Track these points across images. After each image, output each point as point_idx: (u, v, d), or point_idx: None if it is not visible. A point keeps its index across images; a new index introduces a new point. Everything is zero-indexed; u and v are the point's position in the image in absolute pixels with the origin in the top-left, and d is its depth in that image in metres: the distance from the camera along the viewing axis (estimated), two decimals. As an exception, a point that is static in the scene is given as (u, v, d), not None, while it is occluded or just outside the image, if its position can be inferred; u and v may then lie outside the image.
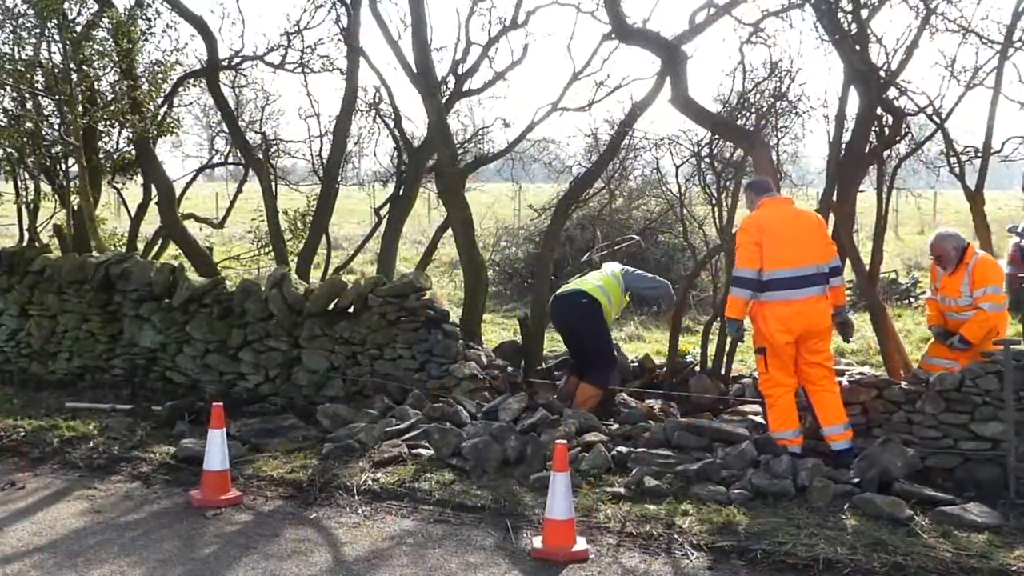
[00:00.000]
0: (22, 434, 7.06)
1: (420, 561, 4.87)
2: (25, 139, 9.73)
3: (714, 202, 8.14)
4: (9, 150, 10.07)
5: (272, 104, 12.36)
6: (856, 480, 5.67)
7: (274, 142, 11.86)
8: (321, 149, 10.94)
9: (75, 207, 10.25)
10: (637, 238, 11.70)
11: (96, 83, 10.03)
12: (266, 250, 12.37)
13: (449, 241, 11.23)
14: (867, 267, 7.52)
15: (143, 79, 10.19)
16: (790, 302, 6.15)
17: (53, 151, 10.19)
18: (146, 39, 10.24)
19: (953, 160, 7.56)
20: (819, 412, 6.24)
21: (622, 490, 5.65)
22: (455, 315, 8.83)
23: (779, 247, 6.17)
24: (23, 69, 9.38)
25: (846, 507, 5.39)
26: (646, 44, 8.03)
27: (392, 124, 10.45)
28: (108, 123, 10.34)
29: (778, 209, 6.37)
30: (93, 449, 6.69)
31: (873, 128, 7.40)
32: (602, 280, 7.75)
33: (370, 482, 5.90)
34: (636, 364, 8.39)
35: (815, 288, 6.21)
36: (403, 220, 10.27)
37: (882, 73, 7.33)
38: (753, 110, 8.06)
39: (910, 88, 7.55)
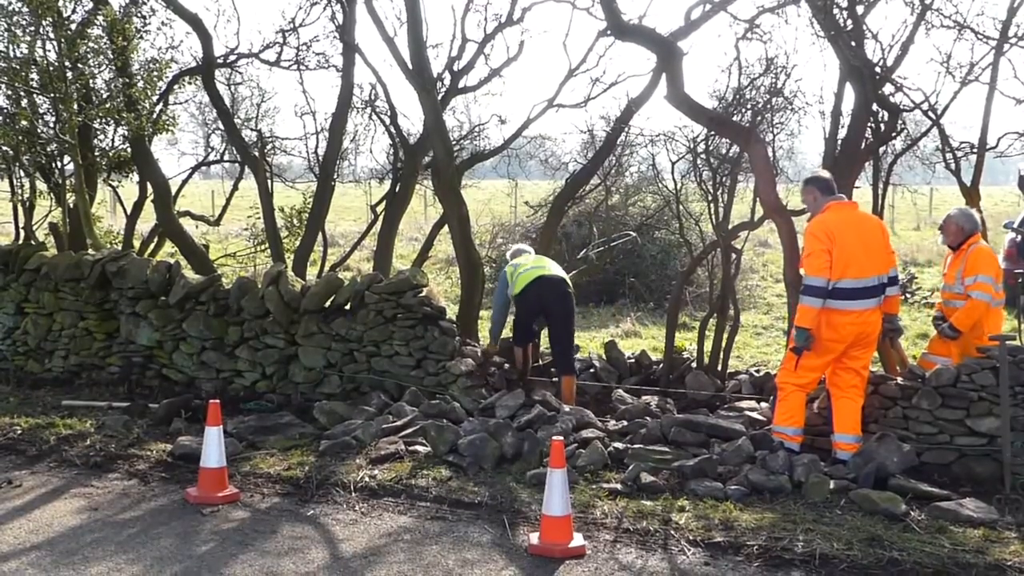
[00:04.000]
0: (19, 432, 7.05)
1: (417, 558, 4.87)
2: (20, 137, 9.71)
3: (710, 198, 8.15)
4: (4, 148, 10.05)
5: (268, 101, 12.49)
6: (852, 476, 5.69)
7: (270, 139, 11.87)
8: (317, 146, 10.96)
9: (71, 205, 10.23)
10: (633, 234, 11.72)
11: (91, 81, 10.02)
12: (262, 247, 12.38)
13: (445, 238, 11.25)
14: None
15: (138, 77, 10.17)
16: (848, 312, 6.03)
17: (49, 149, 10.17)
18: (141, 37, 10.24)
19: (949, 156, 7.57)
20: (836, 417, 6.17)
21: (619, 486, 5.66)
22: (452, 312, 8.83)
23: (846, 257, 6.01)
24: (18, 67, 9.36)
25: (842, 502, 5.41)
26: (642, 40, 8.03)
27: (388, 121, 10.46)
28: (103, 121, 10.34)
29: (846, 215, 6.19)
30: (90, 447, 6.68)
31: (869, 124, 7.41)
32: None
33: (367, 479, 5.90)
34: (632, 360, 8.41)
35: (873, 300, 6.09)
36: (399, 217, 10.28)
37: (878, 69, 7.34)
38: (749, 106, 8.06)
39: (906, 84, 7.58)
